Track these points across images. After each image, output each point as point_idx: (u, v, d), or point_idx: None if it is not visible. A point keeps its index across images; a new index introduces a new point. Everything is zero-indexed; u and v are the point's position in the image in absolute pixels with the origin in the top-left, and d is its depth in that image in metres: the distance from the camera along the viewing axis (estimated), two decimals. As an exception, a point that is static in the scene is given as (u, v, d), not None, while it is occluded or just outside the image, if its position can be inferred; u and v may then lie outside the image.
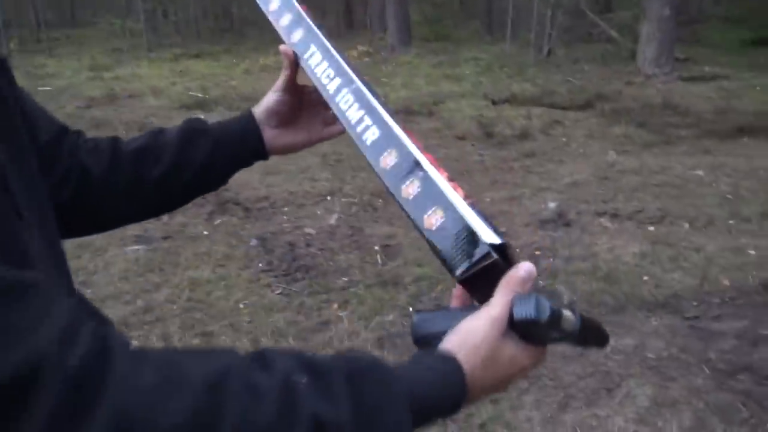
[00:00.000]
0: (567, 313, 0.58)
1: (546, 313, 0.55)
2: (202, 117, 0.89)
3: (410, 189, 0.64)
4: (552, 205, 4.21)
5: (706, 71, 9.33)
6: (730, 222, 3.94)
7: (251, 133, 0.85)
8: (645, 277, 3.24)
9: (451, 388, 0.55)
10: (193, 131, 0.83)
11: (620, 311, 2.95)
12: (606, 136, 6.18)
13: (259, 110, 0.86)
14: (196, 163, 0.81)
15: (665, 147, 5.80)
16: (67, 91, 9.31)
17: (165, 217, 4.20)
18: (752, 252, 3.50)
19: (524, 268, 0.59)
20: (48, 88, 9.63)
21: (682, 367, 2.50)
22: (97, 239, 3.62)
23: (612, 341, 2.68)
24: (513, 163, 5.36)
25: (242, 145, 0.85)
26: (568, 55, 10.77)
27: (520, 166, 5.27)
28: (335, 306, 3.03)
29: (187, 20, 16.65)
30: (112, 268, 3.44)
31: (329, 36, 0.82)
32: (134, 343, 0.46)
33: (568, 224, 3.95)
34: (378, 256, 3.56)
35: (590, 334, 0.63)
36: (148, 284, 3.27)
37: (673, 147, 5.80)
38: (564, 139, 6.12)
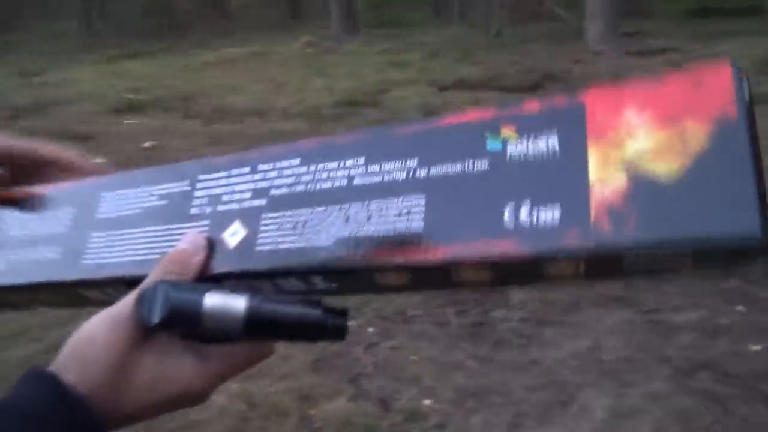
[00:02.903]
0: (213, 301, 0.39)
1: (156, 314, 0.39)
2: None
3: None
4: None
5: (655, 44, 9.24)
6: None
7: None
8: None
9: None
10: None
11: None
12: (555, 118, 5.99)
13: None
14: None
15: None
16: (-9, 101, 8.76)
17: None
18: None
19: (186, 240, 0.46)
20: (-29, 99, 9.05)
21: None
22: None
23: None
24: (460, 153, 5.13)
25: None
26: (517, 35, 10.58)
27: (467, 156, 5.05)
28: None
29: (123, 18, 16.03)
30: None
31: None
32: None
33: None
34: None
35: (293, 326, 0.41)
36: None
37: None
38: (513, 124, 5.91)
